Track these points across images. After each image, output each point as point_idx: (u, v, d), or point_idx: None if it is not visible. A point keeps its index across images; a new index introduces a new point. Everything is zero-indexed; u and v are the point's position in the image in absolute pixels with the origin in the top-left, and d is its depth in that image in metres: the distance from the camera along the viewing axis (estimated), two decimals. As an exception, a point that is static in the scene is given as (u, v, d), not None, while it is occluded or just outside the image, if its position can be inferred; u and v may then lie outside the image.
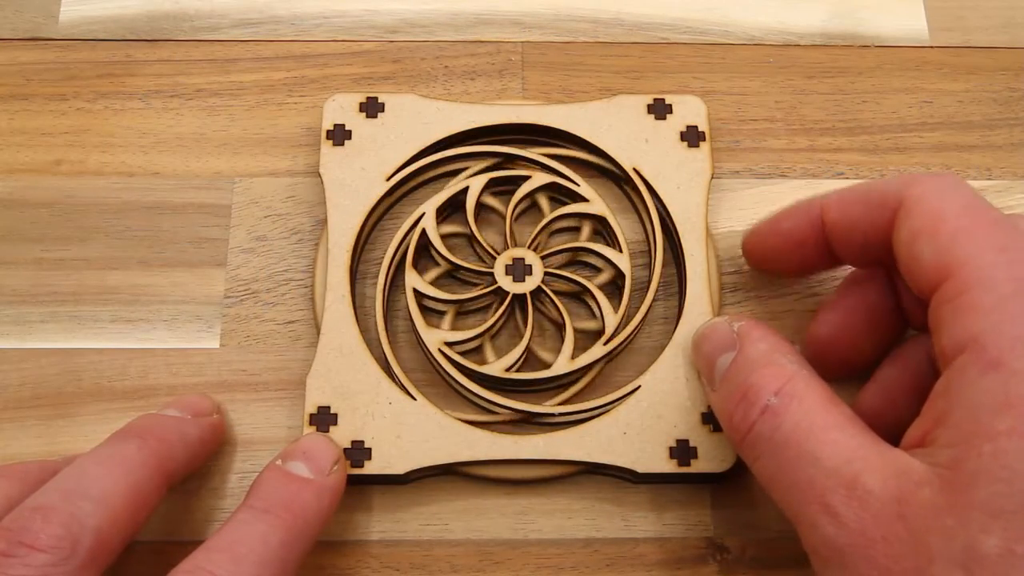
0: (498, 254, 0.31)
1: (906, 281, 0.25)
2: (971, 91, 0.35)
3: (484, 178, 0.32)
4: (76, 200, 0.33)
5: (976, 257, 0.22)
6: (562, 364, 0.29)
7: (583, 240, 0.32)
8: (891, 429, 0.27)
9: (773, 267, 0.30)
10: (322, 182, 0.31)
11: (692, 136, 0.32)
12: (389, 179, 0.32)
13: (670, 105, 0.33)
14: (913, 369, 0.28)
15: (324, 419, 0.28)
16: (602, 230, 0.32)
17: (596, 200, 0.32)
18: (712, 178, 0.32)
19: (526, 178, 0.32)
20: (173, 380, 0.30)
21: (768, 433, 0.24)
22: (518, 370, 0.30)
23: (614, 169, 0.32)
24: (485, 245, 0.31)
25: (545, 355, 0.30)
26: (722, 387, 0.26)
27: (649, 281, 0.31)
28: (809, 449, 0.23)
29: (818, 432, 0.23)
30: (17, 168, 0.33)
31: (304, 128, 0.34)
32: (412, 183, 0.32)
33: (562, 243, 0.32)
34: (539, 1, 0.36)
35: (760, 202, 0.33)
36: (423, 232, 0.31)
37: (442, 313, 0.31)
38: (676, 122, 0.32)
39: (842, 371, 0.29)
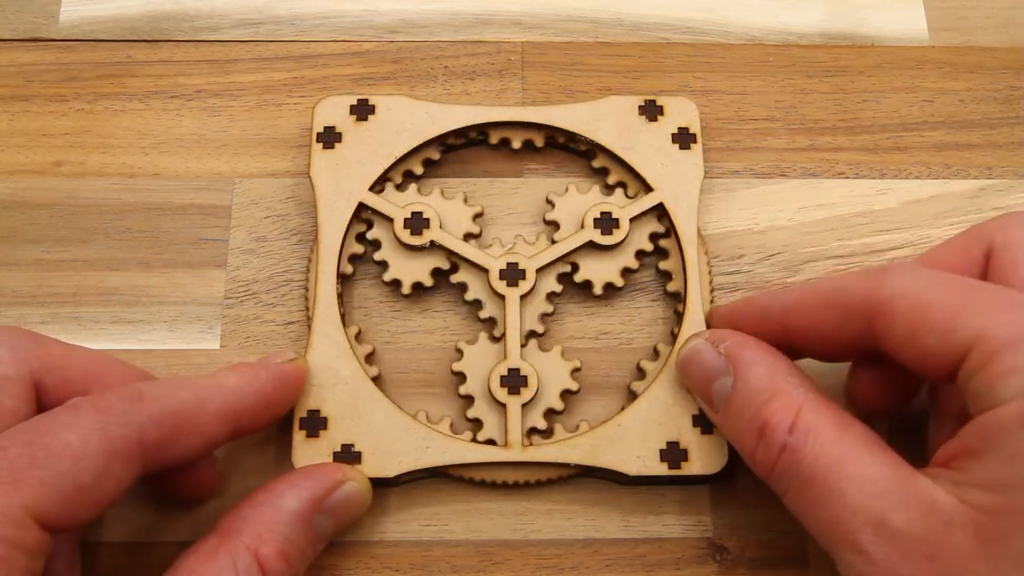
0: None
1: (916, 373, 0.25)
2: (972, 90, 0.35)
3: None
4: (76, 201, 0.33)
5: (988, 325, 0.22)
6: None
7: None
8: None
9: None
10: (312, 186, 0.31)
11: (684, 138, 0.32)
12: (378, 181, 0.31)
13: (661, 107, 0.32)
14: None
15: (314, 423, 0.28)
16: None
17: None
18: (704, 180, 0.32)
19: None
20: (173, 381, 0.30)
21: (791, 471, 0.24)
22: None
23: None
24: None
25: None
26: (730, 417, 0.26)
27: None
28: (832, 486, 0.23)
29: (837, 467, 0.23)
30: (17, 169, 0.33)
31: (304, 129, 0.34)
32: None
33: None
34: (539, 1, 0.36)
35: (760, 202, 0.33)
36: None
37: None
38: (668, 124, 0.32)
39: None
